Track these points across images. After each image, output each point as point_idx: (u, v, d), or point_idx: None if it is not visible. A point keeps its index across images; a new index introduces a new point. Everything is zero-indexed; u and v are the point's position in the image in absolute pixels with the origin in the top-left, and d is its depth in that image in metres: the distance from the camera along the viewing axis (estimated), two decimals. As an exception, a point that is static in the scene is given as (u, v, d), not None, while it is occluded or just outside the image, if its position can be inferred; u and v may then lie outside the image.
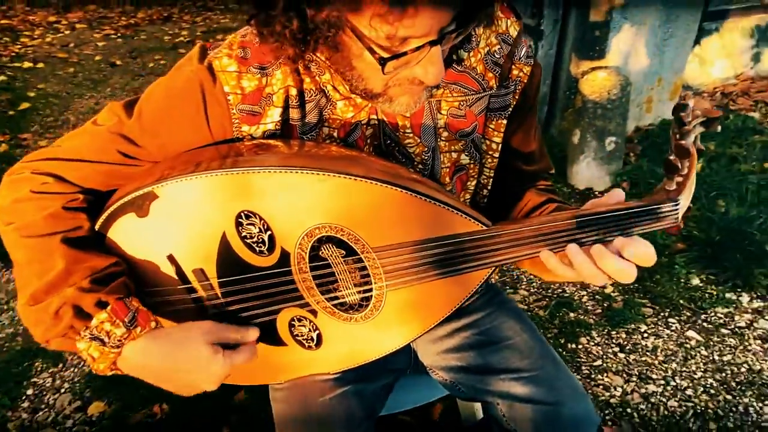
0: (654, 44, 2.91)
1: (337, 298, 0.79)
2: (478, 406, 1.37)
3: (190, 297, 0.78)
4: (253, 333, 0.78)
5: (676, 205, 0.69)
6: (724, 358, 1.80)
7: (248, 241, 0.73)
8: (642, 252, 0.65)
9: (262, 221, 0.72)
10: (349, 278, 0.77)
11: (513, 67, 0.86)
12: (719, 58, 3.54)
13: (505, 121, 0.89)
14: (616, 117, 2.80)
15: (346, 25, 0.66)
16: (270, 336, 0.83)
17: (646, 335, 1.90)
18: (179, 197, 0.70)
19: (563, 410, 0.92)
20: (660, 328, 1.93)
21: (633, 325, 1.93)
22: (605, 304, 2.03)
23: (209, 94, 0.75)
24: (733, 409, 1.63)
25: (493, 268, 0.77)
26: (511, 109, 0.89)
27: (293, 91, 0.78)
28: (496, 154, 0.92)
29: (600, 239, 0.69)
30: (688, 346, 1.85)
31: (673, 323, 1.94)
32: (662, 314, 1.98)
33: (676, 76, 3.17)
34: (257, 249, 0.74)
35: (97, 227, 0.74)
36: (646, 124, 3.19)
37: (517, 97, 0.88)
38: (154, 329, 0.72)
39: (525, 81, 0.87)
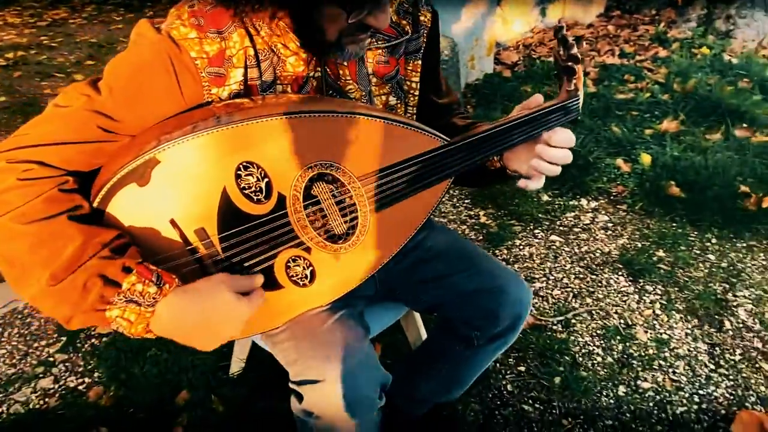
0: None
1: (328, 231, 0.89)
2: (423, 328, 1.56)
3: (192, 258, 0.82)
4: (259, 278, 0.85)
5: (578, 99, 0.92)
6: (582, 249, 2.23)
7: (247, 191, 0.80)
8: (566, 136, 0.87)
9: (260, 169, 0.79)
10: (337, 210, 0.88)
11: (419, 13, 1.02)
12: (516, 17, 4.12)
13: (420, 62, 1.05)
14: (452, 75, 3.16)
15: None
16: (268, 281, 0.90)
17: (521, 247, 2.26)
18: (181, 159, 0.74)
19: (505, 290, 1.12)
20: (530, 239, 2.30)
21: (509, 242, 2.28)
22: (484, 231, 2.35)
23: (177, 61, 0.79)
24: (599, 284, 2.05)
25: (453, 177, 0.93)
26: (422, 50, 1.05)
27: (250, 51, 0.86)
28: (417, 92, 1.08)
29: (531, 135, 0.90)
30: (554, 247, 2.24)
31: (539, 233, 2.33)
32: (528, 228, 2.36)
33: (487, 35, 3.65)
34: (255, 198, 0.81)
35: (95, 205, 0.74)
36: (473, 79, 3.63)
37: (425, 39, 1.05)
38: (181, 285, 0.75)
39: (429, 25, 1.04)
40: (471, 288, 1.13)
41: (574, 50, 0.93)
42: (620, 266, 2.13)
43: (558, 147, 0.92)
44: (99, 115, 0.75)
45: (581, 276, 2.09)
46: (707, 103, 2.96)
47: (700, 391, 1.62)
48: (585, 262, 2.16)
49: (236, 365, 1.63)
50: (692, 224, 2.32)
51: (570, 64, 0.96)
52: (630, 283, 2.05)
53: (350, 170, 0.84)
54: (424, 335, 1.55)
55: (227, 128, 0.74)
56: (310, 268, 0.92)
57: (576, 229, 2.34)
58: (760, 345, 1.77)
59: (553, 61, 1.02)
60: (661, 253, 2.18)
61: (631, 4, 4.35)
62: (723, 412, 1.56)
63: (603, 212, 2.44)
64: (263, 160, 0.78)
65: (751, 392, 1.61)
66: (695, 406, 1.58)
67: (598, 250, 2.22)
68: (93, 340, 1.82)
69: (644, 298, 1.98)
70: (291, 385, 0.96)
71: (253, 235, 0.84)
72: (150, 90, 0.78)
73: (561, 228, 2.35)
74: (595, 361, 1.73)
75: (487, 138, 0.90)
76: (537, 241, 2.29)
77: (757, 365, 1.70)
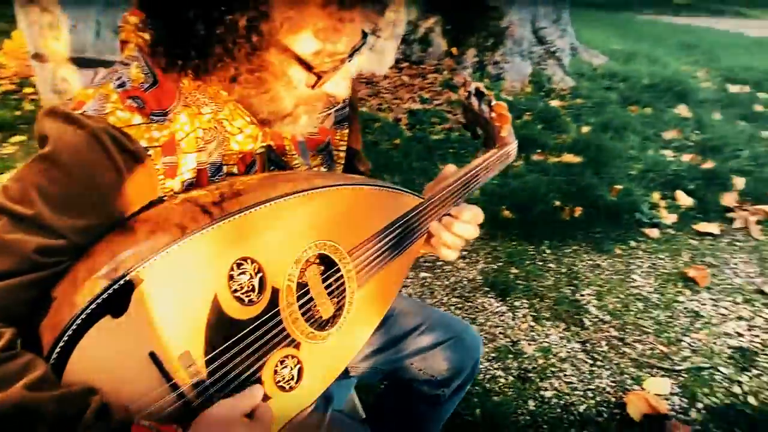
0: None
1: (314, 317, 0.79)
2: (357, 401, 1.45)
3: (174, 395, 0.65)
4: (259, 389, 0.70)
5: (516, 142, 0.98)
6: (451, 280, 2.36)
7: (238, 294, 0.66)
8: (477, 211, 0.91)
9: (254, 264, 0.66)
10: (324, 293, 0.78)
11: None
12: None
13: (347, 131, 1.02)
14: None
15: (273, 44, 0.67)
16: (254, 396, 0.75)
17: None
18: (168, 272, 0.58)
19: (461, 338, 1.13)
20: (404, 281, 2.35)
21: (385, 288, 2.30)
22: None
23: (126, 154, 0.63)
24: (476, 309, 2.18)
25: (423, 237, 0.91)
26: (347, 118, 1.02)
27: (200, 132, 0.72)
28: (343, 161, 1.04)
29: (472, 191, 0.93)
30: (427, 283, 2.33)
31: (409, 272, 2.41)
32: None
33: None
34: (246, 299, 0.67)
35: (53, 359, 0.53)
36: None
37: (347, 107, 1.02)
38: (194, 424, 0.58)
39: (350, 92, 1.02)
40: (429, 344, 1.11)
41: (486, 109, 1.00)
42: (487, 289, 2.30)
43: (467, 223, 0.92)
44: (33, 236, 0.55)
45: (459, 305, 2.20)
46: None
47: (590, 386, 1.82)
48: (458, 291, 2.29)
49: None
50: (528, 240, 2.64)
51: (493, 114, 1.02)
52: (501, 302, 2.23)
53: (342, 245, 0.76)
54: (361, 411, 1.45)
55: (223, 223, 0.61)
56: (298, 367, 0.79)
57: (439, 263, 2.47)
58: (616, 333, 2.07)
59: (470, 119, 1.08)
60: (514, 270, 2.43)
61: (416, 57, 4.87)
62: (613, 399, 1.77)
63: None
64: (259, 253, 0.66)
65: (625, 375, 1.86)
66: (592, 401, 1.76)
67: (464, 279, 2.37)
68: None
69: (517, 313, 2.17)
70: None
71: (244, 345, 0.70)
72: (92, 195, 0.60)
73: (426, 264, 2.46)
74: (500, 384, 1.83)
75: (458, 188, 0.90)
76: (410, 280, 2.35)
77: (621, 350, 1.98)
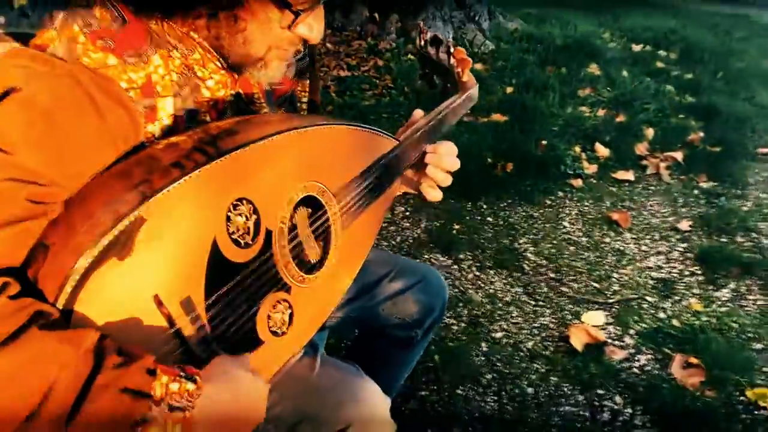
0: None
1: (303, 260, 0.79)
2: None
3: (177, 342, 0.64)
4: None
5: (476, 85, 1.02)
6: (398, 239, 2.41)
7: (235, 236, 0.66)
8: (451, 145, 0.95)
9: (250, 205, 0.66)
10: (311, 235, 0.79)
11: None
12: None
13: (308, 81, 1.01)
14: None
15: None
16: (249, 340, 0.75)
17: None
18: (170, 211, 0.56)
19: (429, 280, 1.18)
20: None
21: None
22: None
23: (105, 95, 0.60)
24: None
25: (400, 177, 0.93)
26: (308, 69, 1.01)
27: (174, 76, 0.70)
28: (306, 112, 1.03)
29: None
30: (375, 243, 2.37)
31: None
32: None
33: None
34: (242, 242, 0.67)
35: (61, 305, 0.51)
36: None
37: (306, 58, 1.01)
38: (204, 374, 0.58)
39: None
40: (399, 289, 1.14)
41: (445, 56, 1.03)
42: (432, 245, 2.38)
43: (448, 155, 0.96)
44: (21, 182, 0.52)
45: (408, 263, 2.26)
46: (437, 98, 3.51)
47: (535, 324, 1.95)
48: (405, 249, 2.34)
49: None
50: (465, 197, 2.74)
51: (452, 60, 1.05)
52: (446, 257, 2.31)
53: (329, 187, 0.77)
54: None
55: (220, 161, 0.59)
56: (290, 311, 0.80)
57: (383, 224, 2.52)
58: (553, 275, 2.21)
59: (427, 67, 1.11)
60: (455, 226, 2.52)
61: (337, 23, 4.80)
62: (557, 334, 1.91)
63: (398, 204, 2.68)
64: (254, 193, 0.65)
65: (565, 312, 2.01)
66: (538, 338, 1.89)
67: (410, 237, 2.43)
68: None
69: (462, 265, 2.26)
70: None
71: (240, 290, 0.69)
72: (78, 137, 0.57)
73: (371, 226, 2.49)
74: (454, 330, 1.91)
75: (430, 130, 0.93)
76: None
77: (559, 290, 2.13)
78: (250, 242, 0.68)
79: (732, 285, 2.15)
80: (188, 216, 0.59)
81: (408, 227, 2.50)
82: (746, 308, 2.03)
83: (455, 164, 0.96)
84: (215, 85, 0.76)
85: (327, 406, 0.81)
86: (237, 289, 0.68)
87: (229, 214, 0.64)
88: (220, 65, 0.75)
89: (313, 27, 0.76)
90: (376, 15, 4.72)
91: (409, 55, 4.35)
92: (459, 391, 1.68)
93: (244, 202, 0.65)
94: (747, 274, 2.20)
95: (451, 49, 1.03)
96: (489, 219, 2.59)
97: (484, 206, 2.69)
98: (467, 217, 2.58)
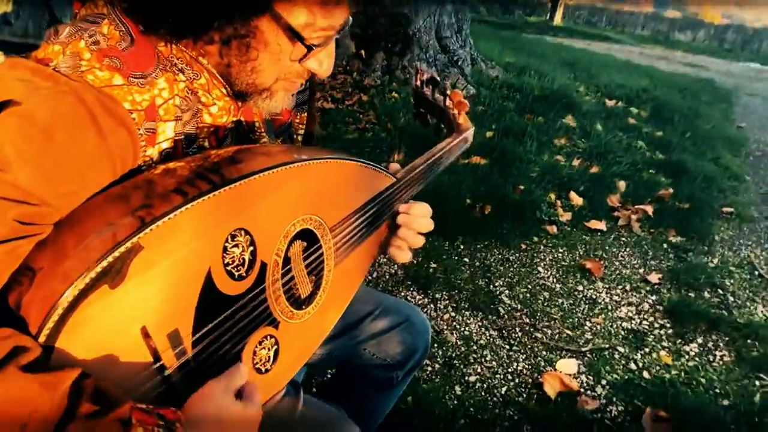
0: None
1: (293, 296, 0.77)
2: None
3: (159, 378, 0.60)
4: (242, 367, 0.67)
5: (472, 128, 1.03)
6: (374, 275, 2.39)
7: (229, 268, 0.63)
8: (425, 206, 0.93)
9: (247, 236, 0.63)
10: (304, 270, 0.77)
11: None
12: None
13: (305, 114, 1.01)
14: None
15: (267, 12, 0.66)
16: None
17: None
18: (168, 239, 0.54)
19: (413, 321, 1.16)
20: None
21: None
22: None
23: (108, 116, 0.58)
24: (401, 303, 2.22)
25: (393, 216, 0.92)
26: (307, 102, 1.01)
27: (177, 101, 0.68)
28: (300, 142, 1.02)
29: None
30: (350, 279, 2.34)
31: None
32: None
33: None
34: (236, 274, 0.64)
35: (44, 336, 0.47)
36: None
37: (307, 91, 1.01)
38: (185, 417, 0.55)
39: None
40: (383, 328, 1.12)
41: (440, 97, 1.04)
42: (409, 283, 2.36)
43: (421, 216, 0.93)
44: (10, 201, 0.49)
45: (383, 300, 2.24)
46: (418, 137, 3.56)
47: (509, 370, 1.94)
48: (381, 286, 2.32)
49: None
50: (443, 236, 2.75)
51: (448, 101, 1.07)
52: (422, 295, 2.30)
53: (326, 221, 0.75)
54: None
55: (224, 190, 0.58)
56: (275, 347, 0.77)
57: (360, 259, 2.49)
58: (527, 320, 2.22)
59: (423, 107, 1.12)
60: (433, 264, 2.51)
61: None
62: (530, 380, 1.90)
63: (376, 239, 2.67)
64: (253, 224, 0.63)
65: (539, 358, 2.01)
66: (512, 383, 1.88)
67: (386, 273, 2.41)
68: None
69: (438, 305, 2.24)
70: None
71: (229, 324, 0.66)
72: (75, 157, 0.55)
73: (347, 260, 2.47)
74: (428, 371, 1.88)
75: (426, 169, 0.93)
76: (332, 277, 2.34)
77: (533, 335, 2.13)
78: (244, 275, 0.66)
79: (700, 339, 2.19)
80: (185, 245, 0.56)
81: (385, 263, 2.49)
82: (713, 363, 2.06)
83: (429, 226, 0.94)
84: (218, 112, 0.75)
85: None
86: (226, 323, 0.66)
87: (226, 244, 0.61)
88: (225, 92, 0.74)
89: (323, 62, 0.76)
90: (363, 52, 4.80)
91: (393, 93, 4.42)
92: (430, 436, 1.64)
93: (242, 233, 0.63)
94: (714, 329, 2.25)
95: (448, 91, 1.04)
96: (466, 259, 2.60)
97: (462, 246, 2.70)
98: (444, 257, 2.58)
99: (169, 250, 0.54)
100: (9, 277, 0.49)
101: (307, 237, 0.74)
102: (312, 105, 1.04)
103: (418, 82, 1.11)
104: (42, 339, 0.47)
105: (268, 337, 0.74)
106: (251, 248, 0.65)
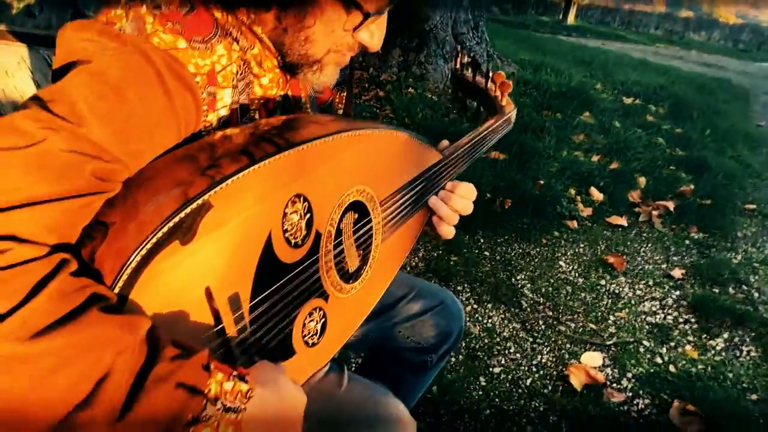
0: None
1: (342, 269, 0.77)
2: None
3: (218, 341, 0.60)
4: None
5: (515, 109, 1.02)
6: (396, 267, 2.38)
7: (287, 234, 0.63)
8: (471, 187, 0.93)
9: (306, 203, 0.63)
10: (353, 244, 0.77)
11: None
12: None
13: (345, 93, 1.01)
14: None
15: None
16: (283, 349, 0.72)
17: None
18: (236, 199, 0.54)
19: (448, 304, 1.16)
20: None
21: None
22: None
23: (176, 78, 0.58)
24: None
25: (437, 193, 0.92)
26: (346, 82, 1.01)
27: (234, 68, 0.68)
28: None
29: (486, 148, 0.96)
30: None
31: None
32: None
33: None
34: (293, 241, 0.64)
35: (119, 287, 0.47)
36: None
37: (347, 70, 1.01)
38: (252, 375, 0.55)
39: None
40: (418, 311, 1.12)
41: (484, 80, 1.04)
42: (430, 275, 2.35)
43: (463, 197, 0.93)
44: (86, 156, 0.49)
45: (405, 291, 2.23)
46: (437, 131, 3.55)
47: (533, 362, 1.93)
48: (402, 278, 2.31)
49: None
50: (463, 230, 2.74)
51: (491, 84, 1.06)
52: (444, 287, 2.28)
53: (377, 194, 0.75)
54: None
55: (288, 153, 0.57)
56: (323, 320, 0.77)
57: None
58: (551, 313, 2.20)
59: (463, 90, 1.11)
60: (453, 258, 2.50)
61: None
62: (555, 373, 1.89)
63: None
64: (311, 191, 0.63)
65: (563, 351, 1.99)
66: (536, 375, 1.87)
67: (407, 265, 2.41)
68: None
69: (460, 297, 2.23)
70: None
71: (284, 293, 0.66)
72: (145, 116, 0.55)
73: (368, 252, 2.46)
74: (452, 363, 1.87)
75: (471, 148, 0.92)
76: (354, 268, 2.34)
77: (557, 329, 2.11)
78: (300, 243, 0.65)
79: (725, 335, 2.16)
80: (251, 206, 0.56)
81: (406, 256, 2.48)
82: (740, 359, 2.04)
83: (468, 208, 0.94)
84: (269, 83, 0.75)
85: (356, 424, 0.77)
86: (281, 291, 0.66)
87: (286, 210, 0.61)
88: (276, 62, 0.74)
89: (374, 34, 0.75)
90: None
91: (410, 89, 4.41)
92: (457, 425, 1.63)
93: (301, 198, 0.63)
94: (739, 324, 2.22)
95: (490, 73, 1.04)
96: (486, 253, 2.59)
97: (482, 240, 2.69)
98: (465, 250, 2.57)
99: (236, 210, 0.54)
100: (82, 232, 0.49)
101: (359, 209, 0.74)
102: (351, 85, 1.04)
103: (458, 65, 1.10)
104: (116, 290, 0.47)
105: (318, 310, 0.74)
106: (308, 215, 0.65)
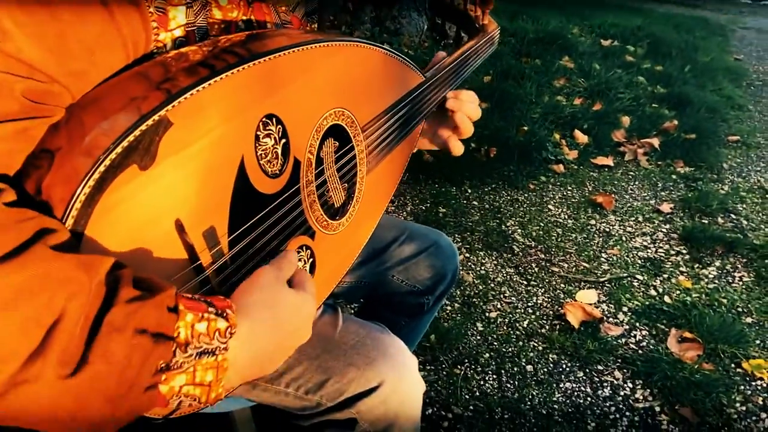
0: None
1: (327, 203, 0.71)
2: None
3: (197, 280, 0.55)
4: (292, 254, 0.62)
5: (498, 29, 0.96)
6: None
7: (263, 161, 0.57)
8: (471, 93, 0.88)
9: (279, 126, 0.57)
10: (336, 175, 0.71)
11: None
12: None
13: (316, 25, 0.94)
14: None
15: None
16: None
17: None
18: (198, 117, 0.48)
19: (441, 245, 1.12)
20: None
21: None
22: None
23: None
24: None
25: (424, 119, 0.86)
26: (316, 12, 0.93)
27: (187, -16, 0.61)
28: None
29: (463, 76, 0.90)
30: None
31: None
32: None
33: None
34: (270, 170, 0.59)
35: (72, 218, 0.41)
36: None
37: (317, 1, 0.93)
38: (236, 305, 0.50)
39: None
40: (410, 253, 1.07)
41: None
42: (420, 228, 2.32)
43: (470, 102, 0.90)
44: (16, 76, 0.42)
45: (396, 245, 2.19)
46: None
47: (529, 304, 1.92)
48: (392, 233, 2.27)
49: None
50: (450, 181, 2.69)
51: (470, 5, 0.99)
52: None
53: (357, 118, 0.69)
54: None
55: (253, 65, 0.51)
56: (311, 260, 0.72)
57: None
58: (543, 255, 2.19)
59: (442, 13, 1.04)
60: (442, 209, 2.46)
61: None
62: (551, 312, 1.88)
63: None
64: (284, 111, 0.57)
65: (558, 291, 1.98)
66: (533, 316, 1.86)
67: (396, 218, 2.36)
68: None
69: (451, 247, 2.20)
70: (323, 417, 0.74)
71: (265, 227, 0.61)
72: (82, 32, 0.48)
73: (355, 210, 2.41)
74: (447, 311, 1.86)
75: (454, 69, 0.86)
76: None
77: (550, 270, 2.10)
78: (278, 172, 0.60)
79: (717, 263, 2.17)
80: (216, 126, 0.50)
81: (393, 210, 2.44)
82: (733, 285, 2.05)
83: (477, 112, 0.91)
84: (228, 5, 0.68)
85: (355, 364, 0.73)
86: (261, 224, 0.60)
87: (258, 133, 0.55)
88: (236, -19, 0.67)
89: None
90: (350, 5, 4.64)
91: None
92: (457, 371, 1.62)
93: (274, 120, 0.57)
94: (731, 252, 2.23)
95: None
96: (475, 203, 2.55)
97: (469, 190, 2.65)
98: (453, 201, 2.53)
99: (200, 130, 0.48)
100: (25, 162, 0.43)
101: (339, 136, 0.68)
102: (322, 14, 0.96)
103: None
104: (69, 223, 0.41)
105: (304, 248, 0.69)
106: (283, 141, 0.59)
